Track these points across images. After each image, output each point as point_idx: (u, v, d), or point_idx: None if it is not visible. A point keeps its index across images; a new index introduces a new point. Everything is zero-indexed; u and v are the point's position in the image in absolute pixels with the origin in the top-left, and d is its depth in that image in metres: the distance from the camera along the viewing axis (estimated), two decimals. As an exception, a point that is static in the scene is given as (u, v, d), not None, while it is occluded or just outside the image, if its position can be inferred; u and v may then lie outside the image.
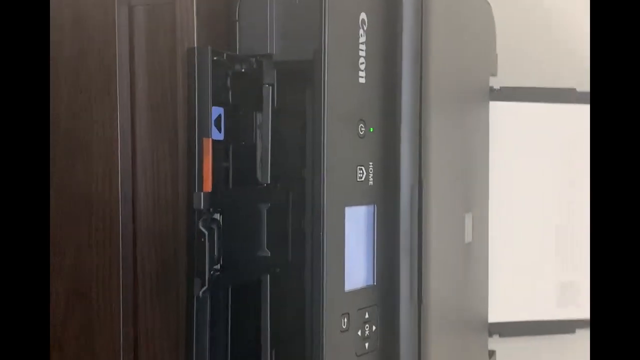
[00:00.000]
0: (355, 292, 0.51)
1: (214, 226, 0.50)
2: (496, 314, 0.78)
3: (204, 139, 0.51)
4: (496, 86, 0.78)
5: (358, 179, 0.51)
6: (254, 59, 0.56)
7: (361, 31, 0.50)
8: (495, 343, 0.79)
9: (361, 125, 0.51)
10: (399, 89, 0.52)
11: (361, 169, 0.51)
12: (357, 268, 0.51)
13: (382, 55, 0.51)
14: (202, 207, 0.49)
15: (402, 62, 0.52)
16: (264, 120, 0.57)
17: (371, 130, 0.51)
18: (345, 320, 0.50)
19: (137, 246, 0.57)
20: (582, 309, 0.82)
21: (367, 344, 0.51)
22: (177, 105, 0.57)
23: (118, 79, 0.58)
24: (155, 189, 0.57)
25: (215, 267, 0.51)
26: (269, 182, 0.56)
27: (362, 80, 0.50)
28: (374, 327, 0.52)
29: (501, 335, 0.80)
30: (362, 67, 0.50)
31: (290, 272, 0.57)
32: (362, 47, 0.50)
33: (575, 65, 0.84)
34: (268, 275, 0.56)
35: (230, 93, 0.55)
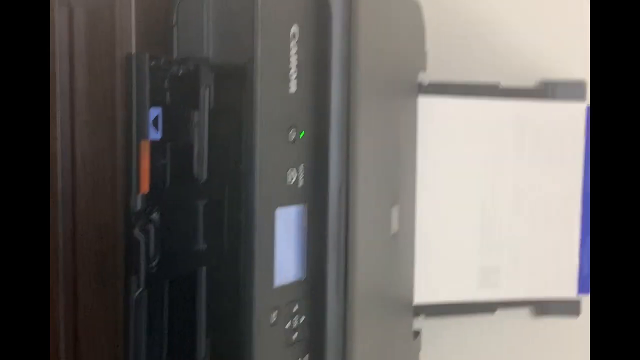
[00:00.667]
0: (285, 287, 0.54)
1: (151, 226, 0.53)
2: (422, 297, 0.83)
3: (142, 143, 0.53)
4: (425, 82, 0.82)
5: (289, 182, 0.54)
6: (191, 62, 0.58)
7: (292, 43, 0.53)
8: (420, 323, 0.84)
9: (292, 130, 0.54)
10: (328, 96, 0.56)
11: (291, 172, 0.54)
12: (286, 264, 0.55)
13: (313, 65, 0.54)
14: (138, 208, 0.52)
15: (332, 70, 0.55)
16: (201, 119, 0.59)
17: (301, 135, 0.55)
18: (275, 314, 0.53)
19: (76, 240, 0.59)
20: (501, 291, 0.88)
21: (295, 335, 0.55)
22: (115, 106, 0.59)
23: (58, 79, 0.59)
24: (96, 184, 0.60)
25: (151, 265, 0.53)
26: (205, 178, 0.59)
27: (292, 90, 0.53)
28: (302, 318, 0.56)
29: (427, 315, 0.85)
30: (293, 77, 0.53)
31: (226, 263, 0.60)
32: (294, 58, 0.53)
33: (501, 60, 0.89)
34: (204, 268, 0.59)
35: (168, 94, 0.58)
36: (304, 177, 0.55)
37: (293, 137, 0.54)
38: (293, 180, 0.54)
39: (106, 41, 0.59)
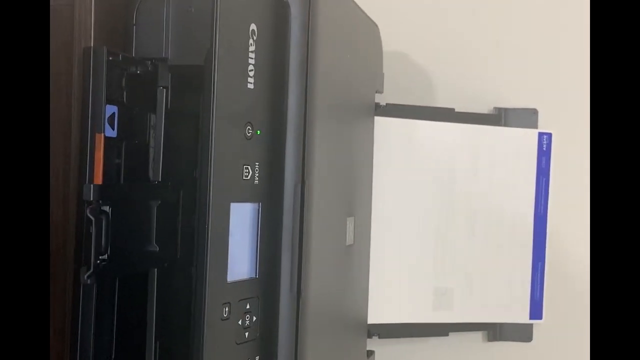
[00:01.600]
0: (237, 283, 0.54)
1: (103, 217, 0.52)
2: (376, 316, 0.83)
3: (97, 134, 0.53)
4: (382, 102, 0.84)
5: (244, 177, 0.54)
6: (149, 62, 0.58)
7: (251, 40, 0.54)
8: (374, 344, 0.84)
9: (248, 127, 0.54)
10: (285, 95, 0.56)
11: (247, 168, 0.54)
12: (240, 261, 0.54)
13: (271, 63, 0.55)
14: (91, 198, 0.51)
15: (290, 70, 0.56)
16: (157, 121, 0.59)
17: (258, 132, 0.55)
18: (227, 309, 0.53)
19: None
20: (455, 314, 0.88)
21: (247, 333, 0.55)
22: (71, 104, 0.59)
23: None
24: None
25: (103, 257, 0.53)
26: (160, 180, 0.59)
27: (250, 86, 0.54)
28: (254, 318, 0.55)
29: (380, 336, 0.84)
30: (251, 73, 0.54)
31: (177, 268, 0.60)
32: (252, 55, 0.54)
33: (455, 87, 0.91)
34: (155, 270, 0.58)
35: (125, 93, 0.58)
36: (259, 175, 0.55)
37: (250, 133, 0.54)
38: (249, 177, 0.54)
39: (64, 40, 0.59)
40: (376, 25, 0.78)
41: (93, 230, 0.51)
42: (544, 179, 0.89)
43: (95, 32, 0.57)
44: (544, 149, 0.89)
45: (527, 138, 0.89)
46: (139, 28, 0.59)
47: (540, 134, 0.89)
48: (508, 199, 0.89)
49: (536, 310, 0.90)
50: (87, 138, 0.53)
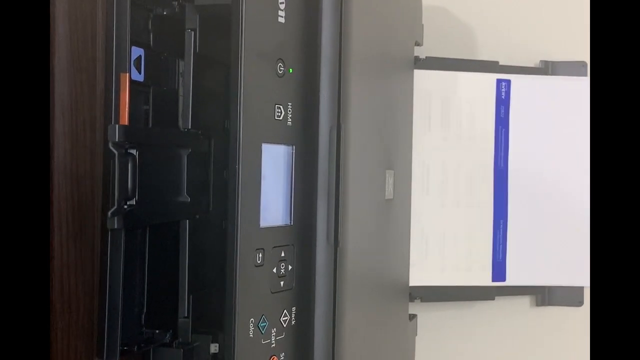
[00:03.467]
0: (271, 229, 0.51)
1: (128, 160, 0.50)
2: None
3: (122, 74, 0.51)
4: (422, 56, 0.80)
5: (276, 117, 0.51)
6: (176, 3, 0.56)
7: (282, -30, 0.50)
8: (416, 307, 0.81)
9: (280, 64, 0.51)
10: (319, 31, 0.53)
11: (279, 108, 0.51)
12: (274, 206, 0.51)
13: (303, -5, 0.52)
14: (117, 139, 0.49)
15: (323, 3, 0.53)
16: (186, 66, 0.57)
17: (290, 70, 0.52)
18: (260, 255, 0.50)
19: (53, 187, 0.56)
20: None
21: (282, 282, 0.52)
22: (96, 48, 0.56)
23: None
24: (74, 131, 0.57)
25: (130, 202, 0.50)
26: (189, 128, 0.56)
27: (281, 20, 0.51)
28: (289, 267, 0.52)
29: (423, 299, 0.81)
30: (282, 6, 0.51)
31: (209, 220, 0.57)
32: (282, -14, 0.51)
33: (498, 39, 0.87)
34: (187, 222, 0.56)
35: (151, 36, 0.55)
36: (292, 116, 0.52)
37: (282, 71, 0.51)
38: (281, 117, 0.51)
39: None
40: (414, -27, 0.75)
41: (117, 166, 0.48)
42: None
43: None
44: (503, 97, 0.83)
45: (578, 87, 0.84)
46: (165, -33, 0.56)
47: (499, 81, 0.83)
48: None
49: (499, 272, 0.84)
50: (112, 77, 0.50)
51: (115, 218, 0.48)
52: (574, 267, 0.83)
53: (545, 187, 0.83)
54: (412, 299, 0.80)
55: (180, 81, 0.58)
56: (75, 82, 0.57)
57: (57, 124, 0.57)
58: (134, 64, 0.53)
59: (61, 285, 0.54)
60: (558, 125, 0.83)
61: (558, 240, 0.83)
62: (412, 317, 0.78)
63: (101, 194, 0.55)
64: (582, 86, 0.84)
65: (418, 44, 0.78)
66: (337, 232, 0.54)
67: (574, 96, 0.83)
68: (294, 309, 0.53)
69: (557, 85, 0.84)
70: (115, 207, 0.48)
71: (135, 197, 0.50)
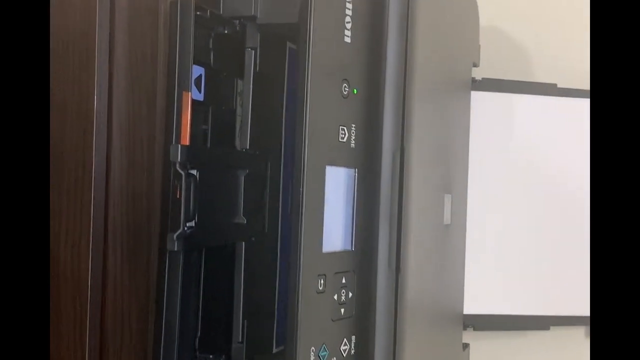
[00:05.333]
0: (333, 255, 0.49)
1: (191, 181, 0.49)
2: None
3: (184, 93, 0.50)
4: (478, 77, 0.78)
5: (340, 139, 0.50)
6: (237, 21, 0.55)
7: (349, -11, 0.49)
8: (468, 336, 0.78)
9: (345, 85, 0.50)
10: (384, 51, 0.52)
11: (343, 130, 0.50)
12: (335, 230, 0.50)
13: (369, 15, 0.51)
14: (179, 159, 0.48)
15: (389, 22, 0.51)
16: (246, 85, 0.56)
17: (355, 91, 0.51)
18: (322, 282, 0.48)
19: (108, 207, 0.55)
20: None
21: (342, 310, 0.50)
22: (157, 66, 0.56)
23: (97, 37, 0.56)
24: (131, 149, 0.56)
25: (190, 223, 0.49)
26: (247, 148, 0.55)
27: (347, 40, 0.49)
28: (350, 293, 0.51)
29: (475, 328, 0.78)
30: (348, 26, 0.49)
31: (265, 242, 0.56)
32: (349, 4, 0.49)
33: (557, 62, 0.85)
34: (243, 243, 0.55)
35: (212, 54, 0.55)
36: (355, 138, 0.51)
37: (346, 91, 0.50)
38: (344, 139, 0.50)
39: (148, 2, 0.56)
40: (473, -7, 0.73)
41: (182, 195, 0.47)
42: None
43: (182, -11, 0.54)
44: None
45: None
46: (227, -15, 0.55)
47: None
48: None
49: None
50: (174, 95, 0.49)
51: (176, 240, 0.47)
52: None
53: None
54: (464, 327, 0.77)
55: (239, 100, 0.57)
56: (133, 99, 0.57)
57: (114, 140, 0.57)
58: (194, 82, 0.53)
59: (114, 306, 0.53)
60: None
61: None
62: (465, 346, 0.75)
63: (158, 215, 0.54)
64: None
65: (475, 65, 0.76)
66: (398, 258, 0.52)
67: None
68: (353, 337, 0.51)
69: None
70: (180, 230, 0.47)
71: (195, 218, 0.49)
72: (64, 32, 0.56)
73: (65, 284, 0.54)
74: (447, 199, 0.65)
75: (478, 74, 0.79)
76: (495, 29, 0.85)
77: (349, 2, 0.49)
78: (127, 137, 0.56)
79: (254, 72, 0.55)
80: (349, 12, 0.49)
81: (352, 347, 0.51)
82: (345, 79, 0.50)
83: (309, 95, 0.46)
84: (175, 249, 0.47)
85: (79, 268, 0.54)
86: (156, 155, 0.55)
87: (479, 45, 0.77)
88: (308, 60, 0.46)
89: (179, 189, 0.47)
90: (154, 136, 0.56)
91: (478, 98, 0.77)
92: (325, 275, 0.48)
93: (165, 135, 0.51)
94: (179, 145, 0.48)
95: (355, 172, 0.51)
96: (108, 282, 0.54)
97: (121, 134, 0.56)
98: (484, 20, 0.77)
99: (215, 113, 0.55)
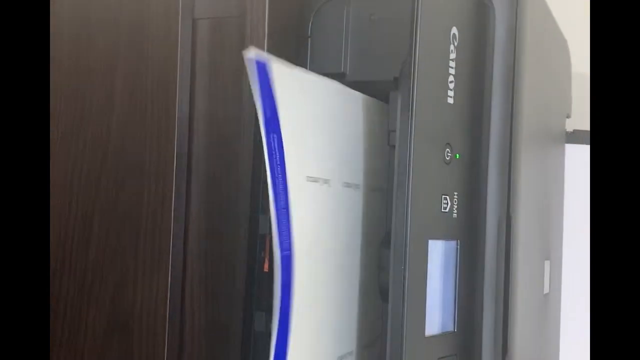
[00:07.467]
0: (436, 338, 0.44)
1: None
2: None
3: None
4: (569, 129, 0.73)
5: (443, 209, 0.45)
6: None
7: (452, 47, 0.45)
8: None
9: (447, 150, 0.45)
10: (488, 112, 0.47)
11: (446, 199, 0.45)
12: (438, 310, 0.45)
13: (473, 72, 0.47)
14: (264, 232, 0.44)
15: (493, 82, 0.47)
16: None
17: (457, 156, 0.46)
18: (425, 370, 0.43)
19: (186, 277, 0.52)
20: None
21: (446, 401, 0.45)
22: (240, 128, 0.53)
23: (178, 97, 0.53)
24: (210, 213, 0.52)
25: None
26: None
27: (450, 101, 0.45)
28: (453, 381, 0.46)
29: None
30: (451, 86, 0.45)
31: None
32: (452, 63, 0.45)
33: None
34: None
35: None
36: (457, 207, 0.46)
37: (449, 157, 0.45)
38: (447, 209, 0.45)
39: (232, 56, 0.53)
40: (566, 40, 0.68)
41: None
42: None
43: (268, 46, 0.51)
44: None
45: None
46: (314, 40, 0.52)
47: None
48: None
49: None
50: (259, 165, 0.46)
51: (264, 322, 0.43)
52: None
53: None
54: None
55: None
56: (214, 160, 0.54)
57: (192, 204, 0.53)
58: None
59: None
60: None
61: None
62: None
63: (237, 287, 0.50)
64: None
65: (568, 116, 0.71)
66: (505, 339, 0.47)
67: None
68: None
69: None
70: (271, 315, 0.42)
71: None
72: (141, 88, 0.54)
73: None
74: (547, 265, 0.60)
75: (568, 125, 0.74)
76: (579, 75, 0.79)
77: (452, 60, 0.45)
78: (205, 200, 0.53)
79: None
80: (451, 71, 0.45)
81: None
82: (448, 143, 0.45)
83: (411, 162, 0.42)
84: (265, 330, 0.43)
85: (154, 343, 0.50)
86: (237, 223, 0.52)
87: (572, 96, 0.72)
88: (411, 124, 0.42)
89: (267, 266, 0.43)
90: (235, 197, 0.52)
91: (572, 150, 0.71)
92: (428, 362, 0.43)
93: (250, 202, 0.47)
94: (264, 217, 0.44)
95: (457, 244, 0.46)
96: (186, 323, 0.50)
97: (200, 198, 0.53)
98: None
99: None
